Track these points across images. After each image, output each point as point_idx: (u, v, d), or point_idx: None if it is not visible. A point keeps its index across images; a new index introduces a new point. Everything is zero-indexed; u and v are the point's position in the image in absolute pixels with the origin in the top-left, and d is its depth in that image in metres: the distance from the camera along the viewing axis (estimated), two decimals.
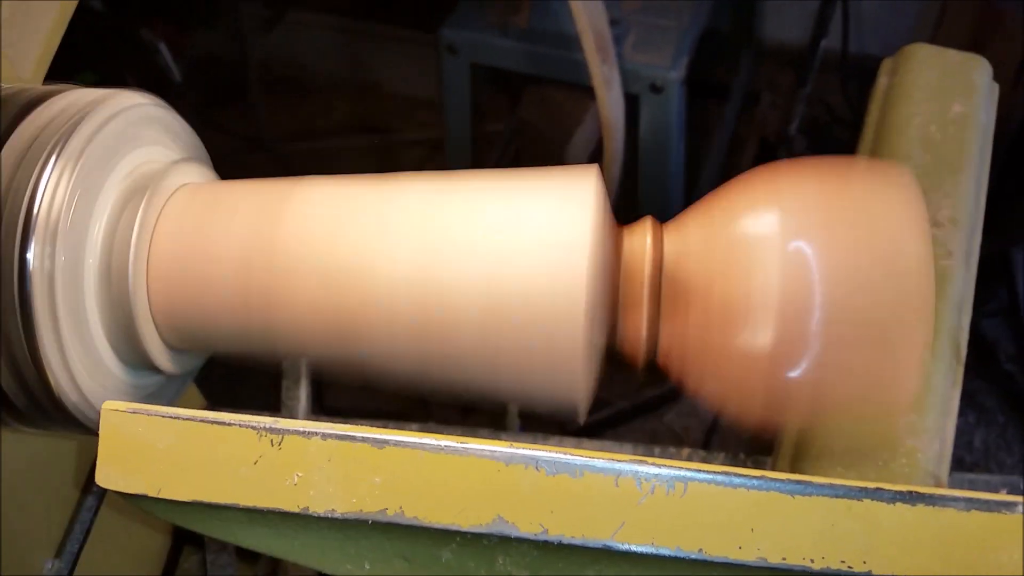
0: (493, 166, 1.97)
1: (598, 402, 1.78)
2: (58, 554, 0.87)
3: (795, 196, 0.48)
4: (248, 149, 2.28)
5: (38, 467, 0.87)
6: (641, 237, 0.52)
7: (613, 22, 1.50)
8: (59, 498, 0.89)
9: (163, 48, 2.15)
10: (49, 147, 0.50)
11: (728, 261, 0.48)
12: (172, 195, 0.55)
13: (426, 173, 0.54)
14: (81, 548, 0.87)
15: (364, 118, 2.49)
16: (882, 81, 1.05)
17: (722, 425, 1.76)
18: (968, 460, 1.64)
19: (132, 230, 0.52)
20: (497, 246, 0.49)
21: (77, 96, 0.54)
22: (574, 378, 0.49)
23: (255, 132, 2.30)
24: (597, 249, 0.49)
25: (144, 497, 0.48)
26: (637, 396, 1.74)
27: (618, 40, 1.57)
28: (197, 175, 0.58)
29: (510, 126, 2.02)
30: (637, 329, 0.50)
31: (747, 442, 1.65)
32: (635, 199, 1.78)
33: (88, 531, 0.87)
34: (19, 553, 0.85)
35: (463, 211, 0.51)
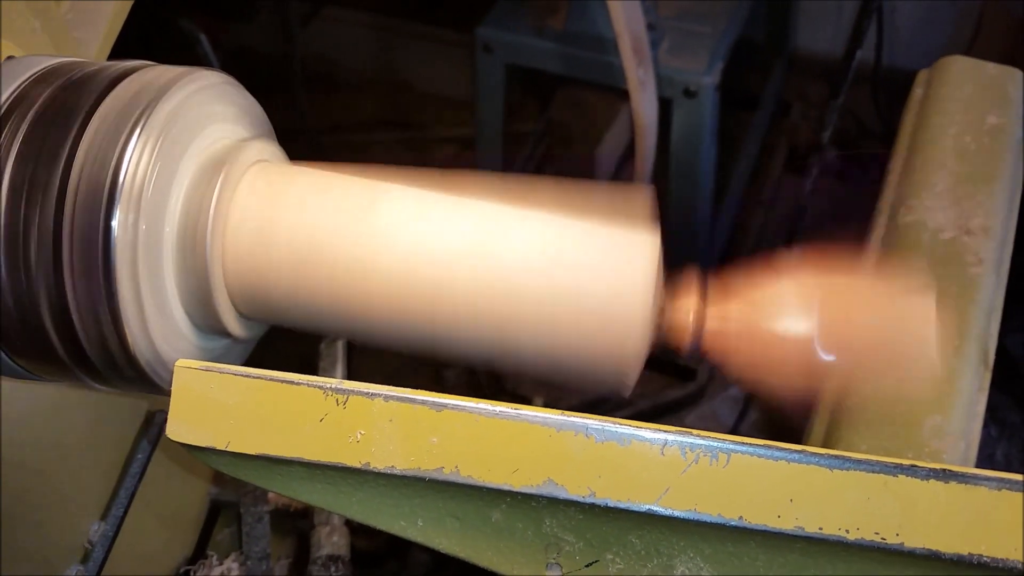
0: (522, 166, 2.00)
1: (619, 401, 1.79)
2: (103, 517, 0.90)
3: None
4: (284, 141, 2.31)
5: (88, 435, 0.90)
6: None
7: (649, 27, 1.53)
8: (105, 465, 0.92)
9: (203, 39, 2.19)
10: (133, 120, 0.53)
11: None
12: (247, 170, 0.58)
13: (490, 182, 0.57)
14: (126, 512, 0.90)
15: (395, 115, 2.52)
16: (918, 92, 1.06)
17: (741, 431, 1.77)
18: None
19: (210, 202, 0.55)
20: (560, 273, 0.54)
21: (159, 72, 0.57)
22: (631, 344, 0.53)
23: (294, 125, 2.33)
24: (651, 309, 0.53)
25: (211, 450, 0.51)
26: (658, 397, 1.76)
27: (653, 44, 1.59)
28: (268, 152, 0.61)
29: (540, 126, 2.04)
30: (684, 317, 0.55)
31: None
32: (665, 203, 1.80)
33: (132, 496, 0.91)
34: (69, 515, 0.88)
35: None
